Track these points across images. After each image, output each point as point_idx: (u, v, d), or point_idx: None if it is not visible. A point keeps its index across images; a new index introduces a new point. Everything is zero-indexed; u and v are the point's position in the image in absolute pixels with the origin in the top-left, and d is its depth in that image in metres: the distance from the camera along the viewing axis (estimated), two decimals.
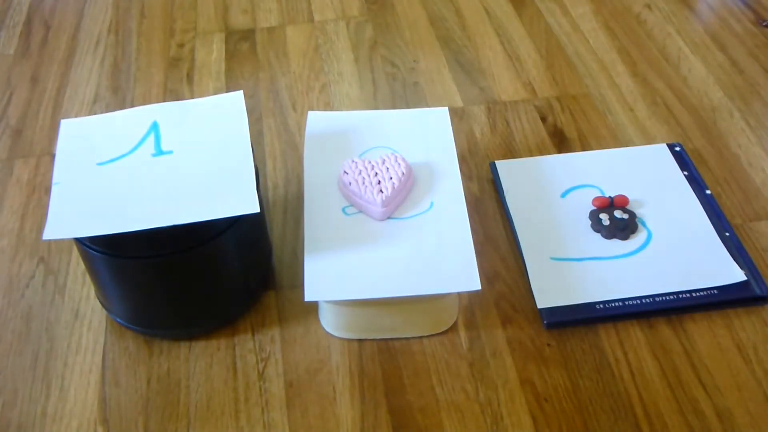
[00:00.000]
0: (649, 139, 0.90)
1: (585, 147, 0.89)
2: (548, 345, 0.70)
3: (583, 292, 0.72)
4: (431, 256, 0.66)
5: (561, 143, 0.90)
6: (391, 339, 0.71)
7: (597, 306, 0.71)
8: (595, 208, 0.79)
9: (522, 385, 0.67)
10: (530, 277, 0.74)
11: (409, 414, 0.65)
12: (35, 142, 0.94)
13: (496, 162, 0.86)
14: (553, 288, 0.73)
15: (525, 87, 0.98)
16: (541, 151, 0.88)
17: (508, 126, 0.92)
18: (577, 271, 0.74)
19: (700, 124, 0.92)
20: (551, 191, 0.82)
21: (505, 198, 0.82)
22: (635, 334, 0.70)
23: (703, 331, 0.70)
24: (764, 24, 1.07)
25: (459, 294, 0.73)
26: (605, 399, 0.66)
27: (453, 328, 0.71)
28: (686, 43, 1.04)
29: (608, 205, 0.79)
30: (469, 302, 0.73)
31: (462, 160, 0.88)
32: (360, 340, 0.71)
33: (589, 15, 1.10)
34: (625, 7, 1.11)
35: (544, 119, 0.93)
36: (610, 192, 0.81)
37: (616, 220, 0.78)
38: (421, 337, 0.71)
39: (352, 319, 0.70)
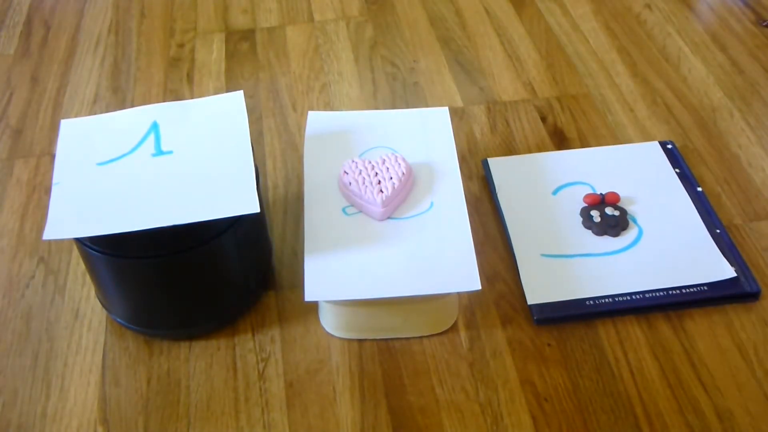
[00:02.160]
0: (649, 139, 0.90)
1: (585, 147, 0.89)
2: (548, 345, 0.70)
3: (573, 289, 0.72)
4: (431, 256, 0.66)
5: (561, 143, 0.90)
6: (391, 339, 0.71)
7: (587, 302, 0.71)
8: (586, 204, 0.80)
9: (522, 385, 0.67)
10: (521, 274, 0.74)
11: (409, 414, 0.65)
12: (35, 142, 0.94)
13: (489, 159, 0.86)
14: (543, 284, 0.73)
15: (525, 87, 0.98)
16: (541, 151, 0.88)
17: (508, 126, 0.92)
18: (567, 267, 0.74)
19: (700, 124, 0.92)
20: (543, 188, 0.82)
21: (496, 195, 0.82)
22: (635, 333, 0.70)
23: (703, 331, 0.70)
24: (764, 24, 1.07)
25: (459, 294, 0.73)
26: (605, 399, 0.66)
27: (453, 328, 0.71)
28: (686, 43, 1.04)
29: (599, 202, 0.80)
30: (469, 302, 0.73)
31: (462, 160, 0.88)
32: (360, 340, 0.71)
33: (589, 15, 1.10)
34: (625, 7, 1.11)
35: (544, 119, 0.93)
36: (602, 189, 0.82)
37: (607, 216, 0.78)
38: (421, 337, 0.71)
39: (352, 319, 0.70)
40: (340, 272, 0.65)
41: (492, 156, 0.88)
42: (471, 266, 0.65)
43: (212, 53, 1.06)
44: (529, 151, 0.89)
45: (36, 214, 0.85)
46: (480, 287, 0.63)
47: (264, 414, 0.66)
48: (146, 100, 0.99)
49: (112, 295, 0.70)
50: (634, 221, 0.78)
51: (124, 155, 0.68)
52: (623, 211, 0.79)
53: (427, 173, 0.73)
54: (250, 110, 0.96)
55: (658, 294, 0.72)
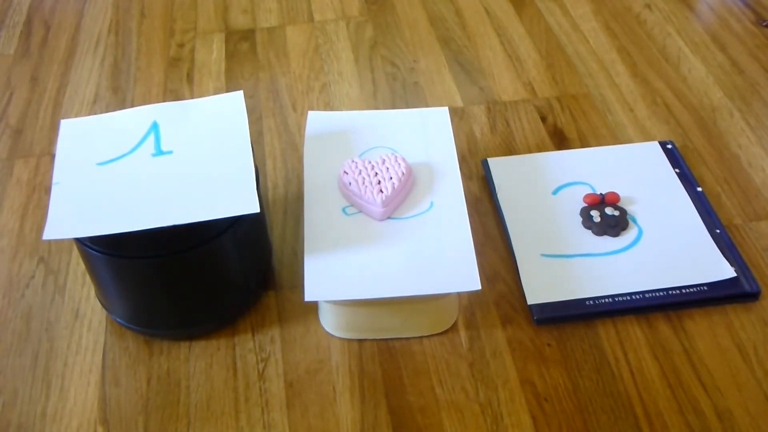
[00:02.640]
0: (649, 139, 0.90)
1: (585, 147, 0.89)
2: (548, 345, 0.70)
3: (573, 289, 0.72)
4: (431, 256, 0.66)
5: (561, 143, 0.90)
6: (391, 339, 0.71)
7: (587, 302, 0.71)
8: (586, 204, 0.80)
9: (522, 385, 0.67)
10: (521, 274, 0.74)
11: (409, 414, 0.65)
12: (35, 142, 0.94)
13: (489, 159, 0.86)
14: (543, 284, 0.73)
15: (525, 87, 0.98)
16: (541, 151, 0.88)
17: (508, 126, 0.92)
18: (567, 267, 0.74)
19: (700, 124, 0.92)
20: (543, 188, 0.82)
21: (496, 195, 0.82)
22: (635, 333, 0.70)
23: (703, 331, 0.70)
24: (764, 24, 1.07)
25: (459, 294, 0.73)
26: (605, 399, 0.66)
27: (453, 328, 0.71)
28: (686, 43, 1.04)
29: (599, 202, 0.80)
30: (469, 302, 0.73)
31: (462, 160, 0.88)
32: (360, 340, 0.71)
33: (589, 15, 1.10)
34: (625, 7, 1.11)
35: (544, 119, 0.93)
36: (602, 189, 0.82)
37: (606, 216, 0.78)
38: (421, 337, 0.71)
39: (352, 319, 0.70)
40: (340, 272, 0.65)
41: (492, 156, 0.88)
42: (471, 266, 0.65)
43: (212, 53, 1.06)
44: (529, 151, 0.89)
45: (36, 214, 0.85)
46: (480, 287, 0.63)
47: (264, 414, 0.66)
48: (146, 100, 0.99)
49: (112, 295, 0.70)
50: (634, 221, 0.78)
51: (124, 155, 0.68)
52: (623, 211, 0.79)
53: (427, 173, 0.73)
54: (250, 110, 0.96)
55: (658, 294, 0.72)
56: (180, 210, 0.62)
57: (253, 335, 0.72)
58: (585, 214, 0.79)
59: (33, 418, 0.67)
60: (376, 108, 0.96)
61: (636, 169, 0.84)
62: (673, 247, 0.76)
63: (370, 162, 0.72)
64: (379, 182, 0.70)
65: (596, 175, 0.83)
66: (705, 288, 0.72)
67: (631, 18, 1.09)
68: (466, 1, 1.14)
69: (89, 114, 0.97)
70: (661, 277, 0.73)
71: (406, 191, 0.71)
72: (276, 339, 0.72)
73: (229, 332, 0.72)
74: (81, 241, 0.65)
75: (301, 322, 0.73)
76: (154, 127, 0.71)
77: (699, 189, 0.82)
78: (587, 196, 0.80)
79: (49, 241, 0.81)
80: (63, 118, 0.73)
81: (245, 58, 1.05)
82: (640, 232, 0.77)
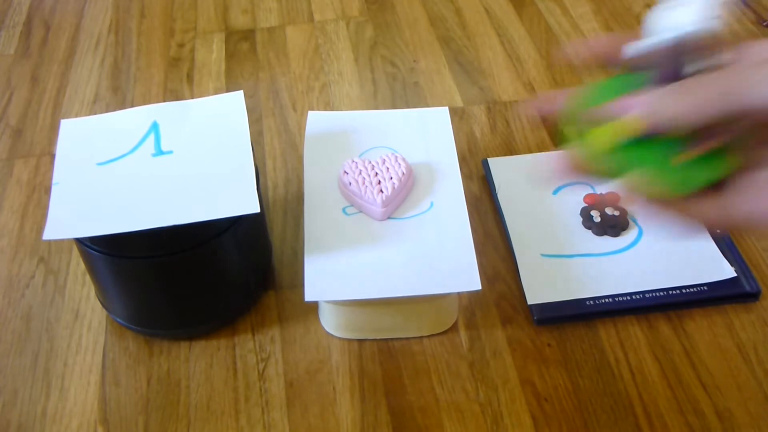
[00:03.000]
0: None
1: None
2: (548, 345, 0.70)
3: (573, 289, 0.72)
4: (431, 256, 0.66)
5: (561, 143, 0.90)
6: (391, 339, 0.71)
7: (587, 302, 0.71)
8: (586, 205, 0.80)
9: (522, 385, 0.67)
10: (521, 274, 0.74)
11: (409, 414, 0.65)
12: (35, 142, 0.94)
13: (489, 159, 0.86)
14: (543, 284, 0.73)
15: (525, 87, 0.98)
16: (542, 151, 0.88)
17: (508, 126, 0.92)
18: (567, 267, 0.74)
19: None
20: (543, 188, 0.82)
21: (496, 195, 0.82)
22: (635, 333, 0.70)
23: (703, 331, 0.70)
24: (764, 24, 1.06)
25: (459, 294, 0.73)
26: (605, 399, 0.66)
27: (453, 328, 0.71)
28: None
29: (599, 201, 0.80)
30: (469, 302, 0.73)
31: (462, 160, 0.88)
32: (360, 340, 0.71)
33: (589, 15, 1.10)
34: (625, 7, 1.11)
35: (544, 119, 0.93)
36: (602, 189, 0.82)
37: (607, 216, 0.78)
38: (421, 337, 0.71)
39: (352, 319, 0.70)
40: (340, 272, 0.65)
41: (492, 156, 0.88)
42: (471, 266, 0.65)
43: (212, 53, 1.06)
44: (529, 151, 0.89)
45: (36, 214, 0.85)
46: (480, 287, 0.63)
47: (264, 414, 0.66)
48: (146, 100, 0.99)
49: (112, 295, 0.70)
50: (634, 221, 0.78)
51: (124, 155, 0.68)
52: (623, 211, 0.79)
53: (427, 173, 0.73)
54: (250, 110, 0.96)
55: (658, 294, 0.72)
56: (180, 210, 0.62)
57: (253, 335, 0.72)
58: (585, 214, 0.79)
59: (33, 418, 0.67)
60: (376, 108, 0.96)
61: None
62: (673, 247, 0.76)
63: (370, 162, 0.72)
64: (379, 182, 0.70)
65: None
66: (705, 288, 0.72)
67: (631, 18, 1.09)
68: (466, 1, 1.13)
69: (89, 114, 0.97)
70: (661, 277, 0.73)
71: (406, 191, 0.71)
72: (276, 339, 0.72)
73: (229, 332, 0.72)
74: (81, 241, 0.65)
75: (301, 322, 0.73)
76: (154, 127, 0.71)
77: None
78: (587, 196, 0.80)
79: (49, 241, 0.81)
80: (63, 118, 0.72)
81: (245, 58, 1.05)
82: (641, 232, 0.77)
